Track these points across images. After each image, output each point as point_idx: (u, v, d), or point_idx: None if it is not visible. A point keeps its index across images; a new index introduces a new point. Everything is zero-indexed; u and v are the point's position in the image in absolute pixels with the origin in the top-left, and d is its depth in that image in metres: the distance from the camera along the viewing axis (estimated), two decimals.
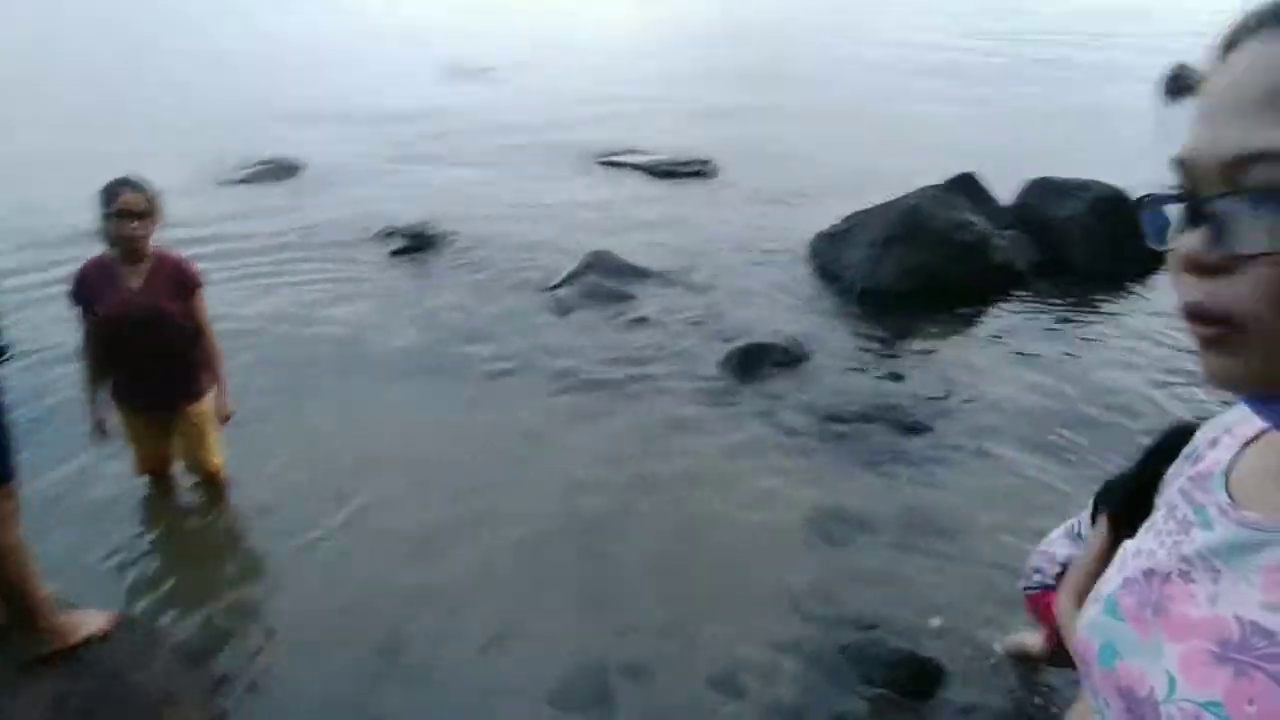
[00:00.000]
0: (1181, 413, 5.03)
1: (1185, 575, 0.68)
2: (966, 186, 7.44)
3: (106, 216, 3.51)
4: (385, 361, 5.71)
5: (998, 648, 3.24)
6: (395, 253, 7.59)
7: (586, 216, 8.85)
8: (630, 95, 15.20)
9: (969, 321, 6.37)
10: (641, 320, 6.26)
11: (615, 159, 11.09)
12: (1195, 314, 0.61)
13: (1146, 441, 2.27)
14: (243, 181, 9.87)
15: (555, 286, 6.84)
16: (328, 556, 3.84)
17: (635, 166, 10.80)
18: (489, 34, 24.36)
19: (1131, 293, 6.89)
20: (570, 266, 7.04)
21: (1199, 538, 0.68)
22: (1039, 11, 29.78)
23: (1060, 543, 2.69)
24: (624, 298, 6.59)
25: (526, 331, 6.09)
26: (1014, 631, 3.19)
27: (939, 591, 3.64)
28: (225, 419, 3.91)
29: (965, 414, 5.08)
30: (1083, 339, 6.12)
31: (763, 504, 4.25)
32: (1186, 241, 0.60)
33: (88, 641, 2.83)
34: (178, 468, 4.09)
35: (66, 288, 3.59)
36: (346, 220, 8.43)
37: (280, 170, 10.18)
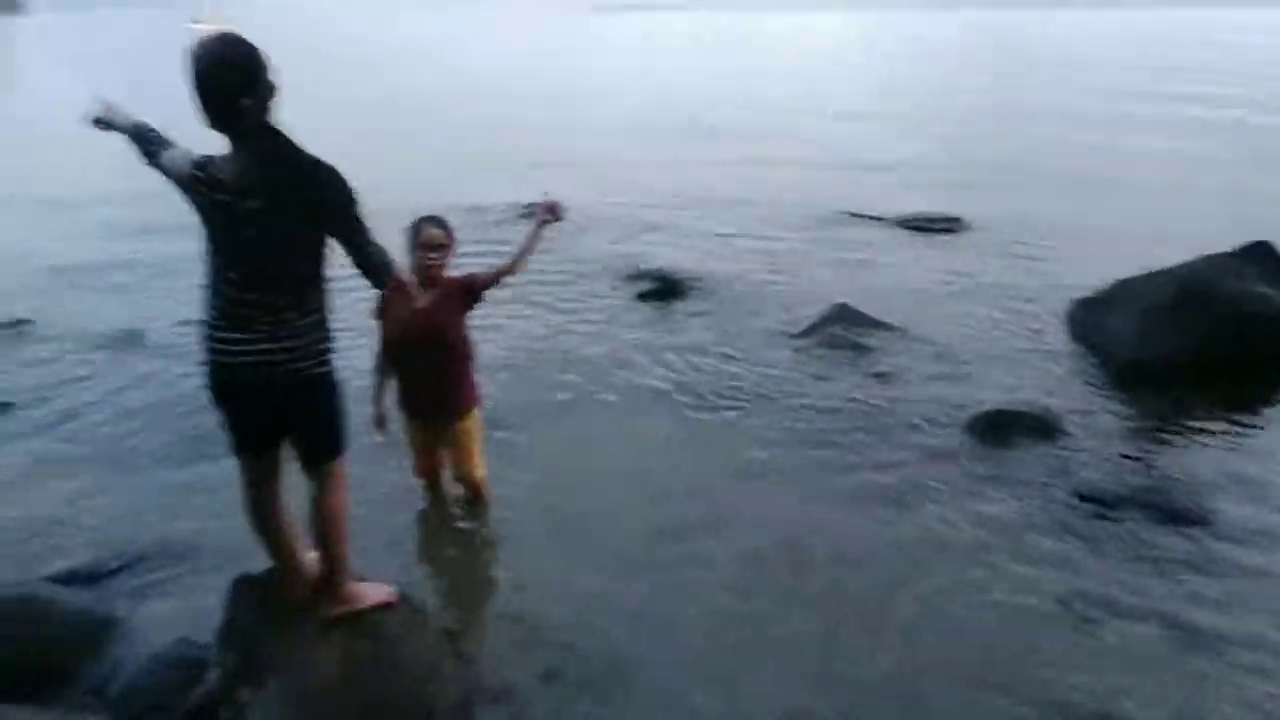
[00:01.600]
0: None
1: None
2: (1260, 256, 6.71)
3: (411, 249, 4.03)
4: (628, 392, 6.01)
5: None
6: (643, 295, 7.98)
7: (832, 268, 8.87)
8: (871, 161, 14.97)
9: (1254, 404, 5.72)
10: (883, 375, 6.16)
11: (861, 212, 11.01)
12: None
13: None
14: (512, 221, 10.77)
15: (797, 335, 6.89)
16: (560, 569, 4.10)
17: (882, 220, 10.67)
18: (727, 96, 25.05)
19: None
20: (813, 317, 7.07)
21: None
22: None
23: None
24: (867, 351, 6.52)
25: (766, 380, 6.14)
26: None
27: (1199, 694, 3.31)
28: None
29: (1247, 509, 4.55)
30: None
31: (1008, 580, 4.01)
32: None
33: (370, 610, 3.22)
34: (447, 476, 4.52)
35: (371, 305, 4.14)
36: (601, 261, 8.97)
37: None
